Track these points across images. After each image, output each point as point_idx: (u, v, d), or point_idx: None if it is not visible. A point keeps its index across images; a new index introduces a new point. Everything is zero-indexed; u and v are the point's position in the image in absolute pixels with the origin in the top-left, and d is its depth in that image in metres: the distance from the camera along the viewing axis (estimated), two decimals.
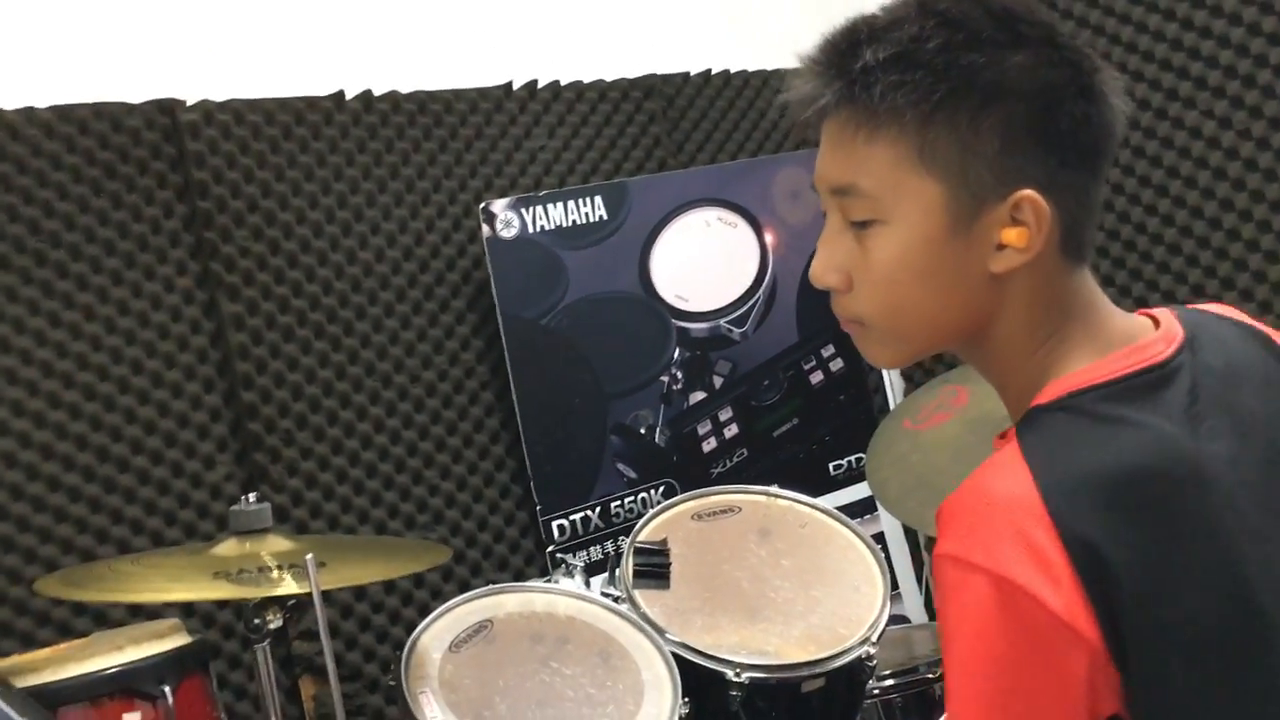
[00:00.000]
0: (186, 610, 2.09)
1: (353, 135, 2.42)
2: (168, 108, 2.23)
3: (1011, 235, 0.96)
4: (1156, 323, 1.03)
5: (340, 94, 2.41)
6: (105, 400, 2.12)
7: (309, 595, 1.43)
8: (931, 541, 2.90)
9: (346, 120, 2.42)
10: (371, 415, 2.36)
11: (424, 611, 2.33)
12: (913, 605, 2.77)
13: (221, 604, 2.15)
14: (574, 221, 2.49)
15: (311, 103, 2.38)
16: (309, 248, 2.34)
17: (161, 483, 2.15)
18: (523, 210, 2.45)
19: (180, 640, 1.73)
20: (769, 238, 2.70)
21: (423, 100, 2.51)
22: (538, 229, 2.45)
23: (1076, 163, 0.97)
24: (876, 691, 2.11)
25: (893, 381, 2.89)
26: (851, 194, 0.99)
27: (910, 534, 2.82)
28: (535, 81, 2.64)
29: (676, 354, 2.57)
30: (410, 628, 2.31)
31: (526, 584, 1.87)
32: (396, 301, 2.42)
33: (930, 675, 2.19)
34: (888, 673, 2.15)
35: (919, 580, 2.81)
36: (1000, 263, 0.98)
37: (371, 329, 2.38)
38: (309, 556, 1.38)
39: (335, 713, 2.24)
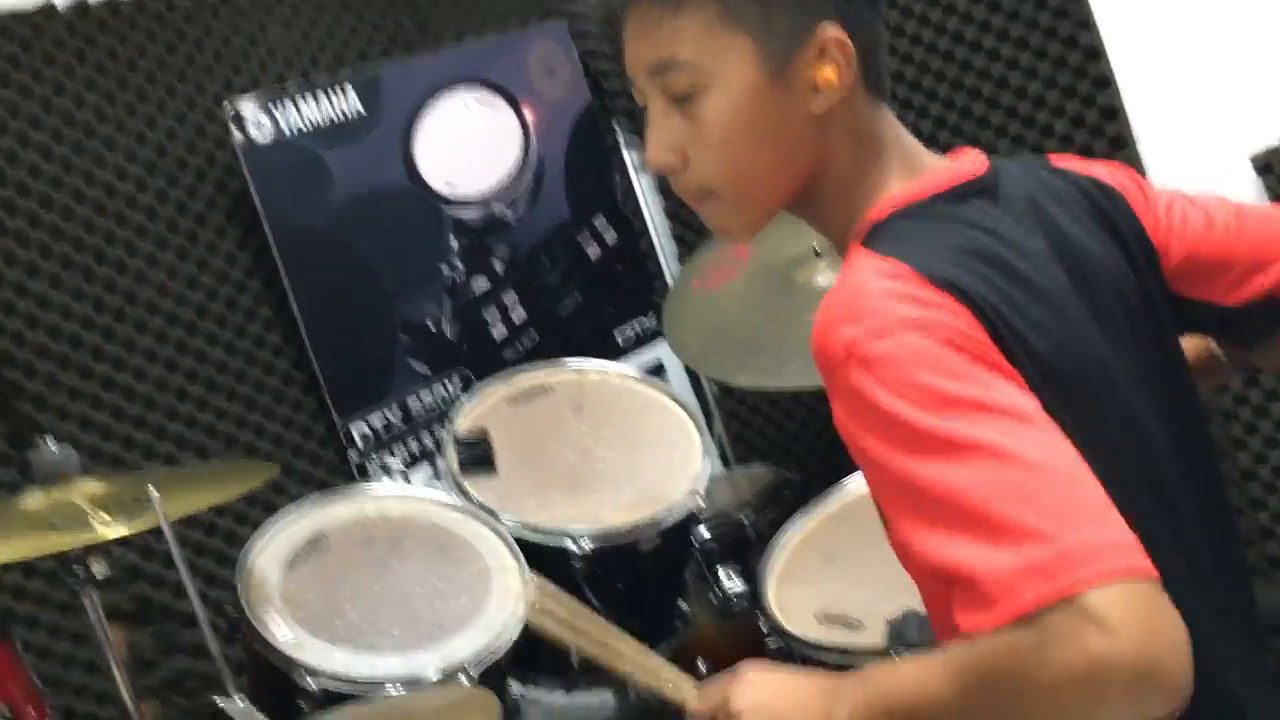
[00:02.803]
0: None
1: (70, 46, 2.21)
2: None
3: (825, 73, 1.02)
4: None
5: (50, 5, 2.19)
6: None
7: (136, 535, 1.35)
8: (723, 396, 2.99)
9: (60, 31, 2.20)
10: (141, 346, 2.20)
11: (230, 539, 2.25)
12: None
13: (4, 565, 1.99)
14: (330, 119, 2.37)
15: (18, 17, 2.15)
16: (39, 173, 2.14)
17: None
18: (273, 108, 2.31)
19: None
20: (529, 115, 2.66)
21: (140, 2, 2.31)
22: (294, 130, 2.32)
23: None
24: (694, 543, 2.19)
25: (664, 245, 2.93)
26: (670, 69, 1.03)
27: (699, 390, 2.91)
28: None
29: (454, 243, 2.52)
30: (220, 558, 2.24)
31: (353, 488, 1.82)
32: (148, 221, 2.25)
33: (742, 519, 2.29)
34: (703, 516, 2.22)
35: (712, 433, 2.91)
36: (820, 103, 1.03)
37: (125, 253, 2.21)
38: (154, 494, 1.29)
39: (152, 659, 2.16)
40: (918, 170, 1.07)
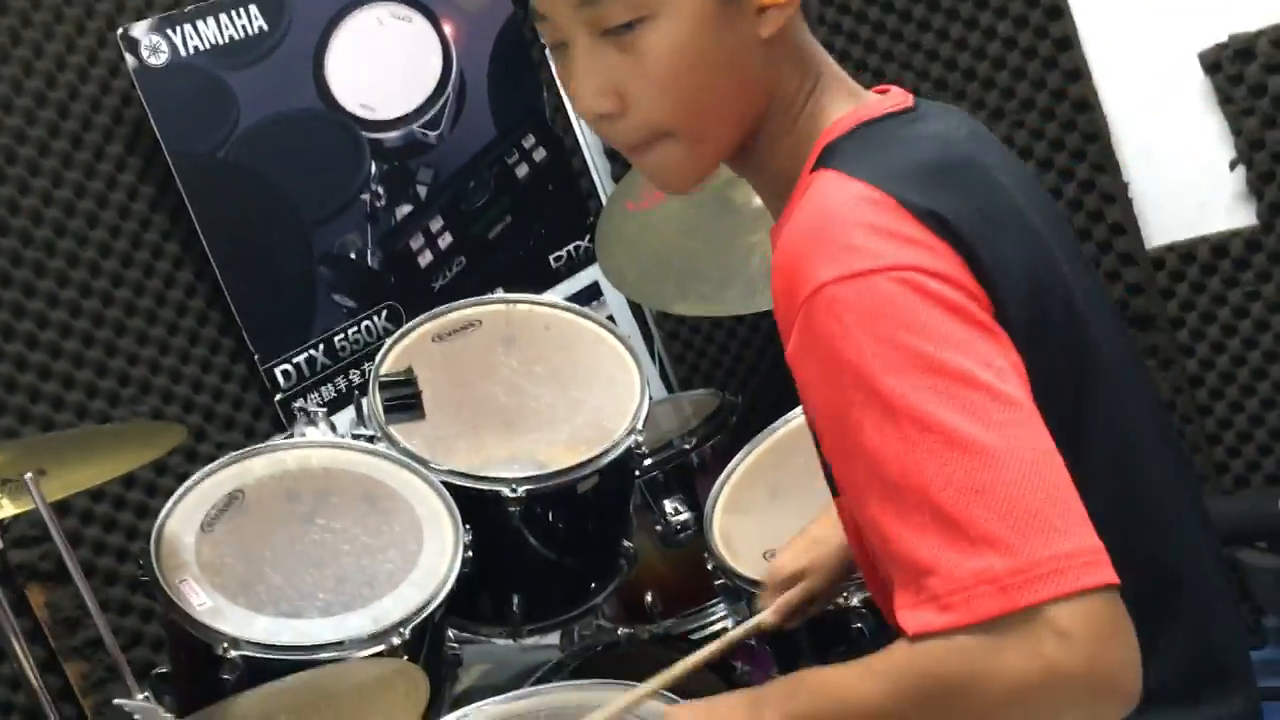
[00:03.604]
0: None
1: None
2: None
3: None
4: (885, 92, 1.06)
5: None
6: None
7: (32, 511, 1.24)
8: (663, 317, 2.91)
9: None
10: (41, 290, 2.07)
11: (151, 491, 2.15)
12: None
13: None
14: (231, 37, 2.21)
15: None
16: None
17: None
18: (169, 31, 2.15)
19: None
20: (448, 28, 2.51)
21: None
22: (191, 51, 2.17)
23: None
24: (638, 472, 2.12)
25: (597, 163, 2.81)
26: None
27: (638, 311, 2.82)
28: None
29: (373, 168, 2.39)
30: (140, 511, 2.13)
31: (272, 442, 1.72)
32: (40, 156, 2.10)
33: (686, 446, 2.22)
34: (644, 452, 2.15)
35: (653, 355, 2.83)
36: (768, 25, 0.96)
37: (17, 192, 2.07)
38: (28, 475, 1.19)
39: (73, 616, 2.07)
40: (856, 94, 1.02)
